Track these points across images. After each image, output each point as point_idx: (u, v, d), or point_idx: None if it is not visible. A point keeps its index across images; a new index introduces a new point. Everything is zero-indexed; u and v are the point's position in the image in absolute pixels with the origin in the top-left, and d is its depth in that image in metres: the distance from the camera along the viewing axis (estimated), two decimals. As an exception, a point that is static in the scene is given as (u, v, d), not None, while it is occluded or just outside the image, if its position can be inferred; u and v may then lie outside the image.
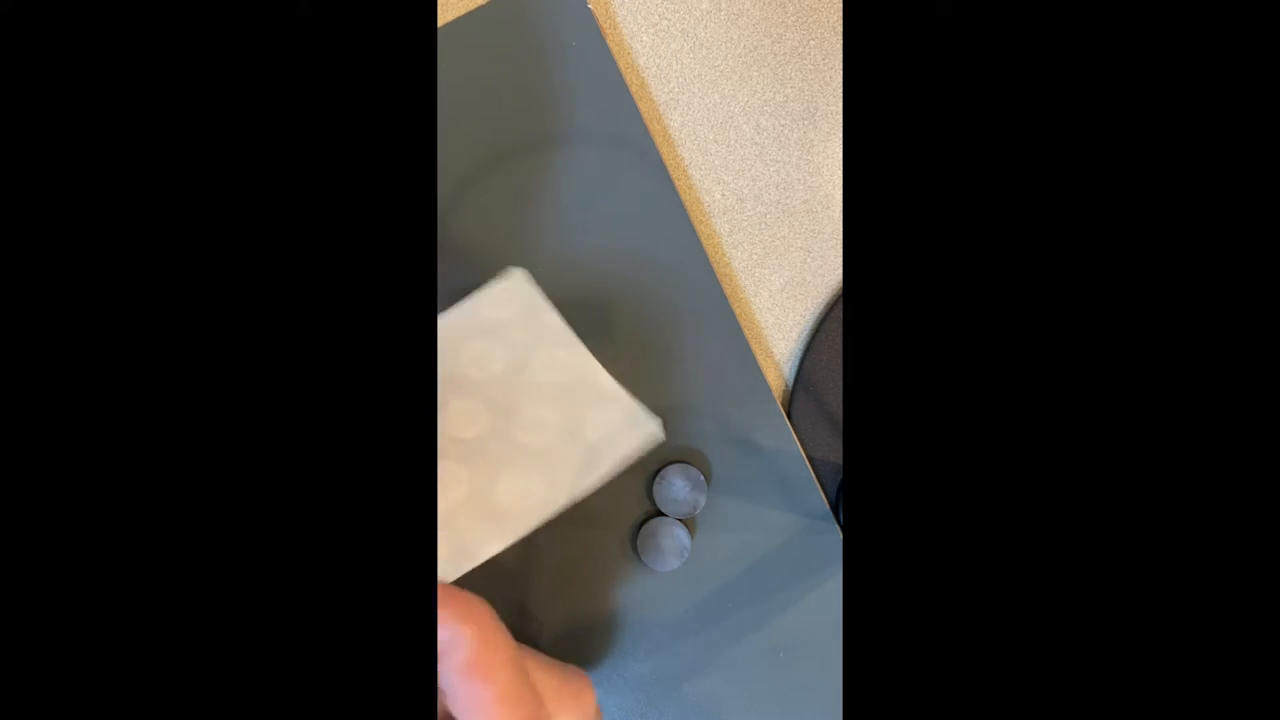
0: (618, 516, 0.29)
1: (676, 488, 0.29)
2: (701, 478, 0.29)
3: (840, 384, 0.30)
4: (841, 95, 0.32)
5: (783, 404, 0.31)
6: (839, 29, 0.32)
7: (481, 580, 0.29)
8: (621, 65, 0.30)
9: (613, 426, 0.24)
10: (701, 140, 0.31)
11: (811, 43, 0.31)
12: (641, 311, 0.29)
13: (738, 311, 0.30)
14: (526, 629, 0.29)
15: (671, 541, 0.29)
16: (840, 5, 0.31)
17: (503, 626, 0.22)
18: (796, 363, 0.31)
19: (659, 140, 0.30)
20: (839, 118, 0.31)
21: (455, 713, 0.21)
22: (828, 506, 0.30)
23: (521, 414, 0.24)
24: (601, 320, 0.30)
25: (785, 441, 0.30)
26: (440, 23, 0.29)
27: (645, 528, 0.29)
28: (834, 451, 0.30)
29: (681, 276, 0.30)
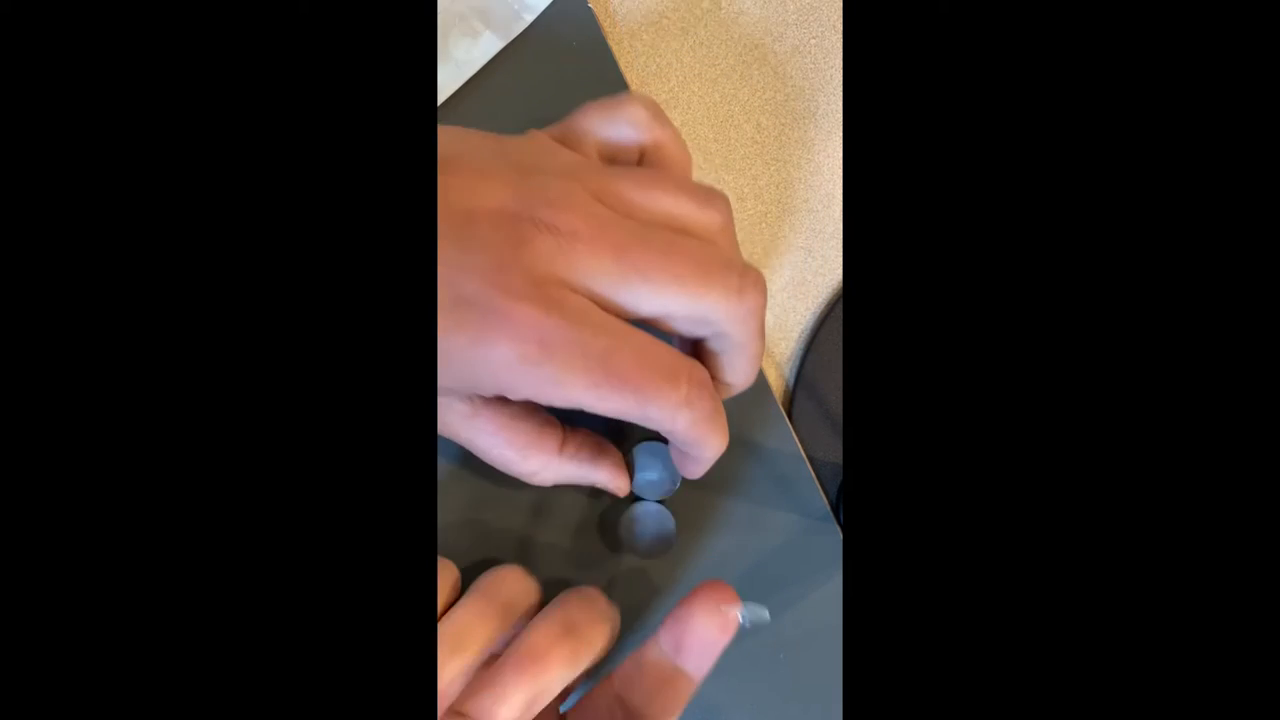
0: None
1: (648, 468, 0.28)
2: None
3: (840, 384, 0.30)
4: (842, 94, 0.31)
5: (783, 404, 0.31)
6: (839, 28, 0.31)
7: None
8: (622, 64, 0.30)
9: None
10: (702, 139, 0.31)
11: (812, 41, 0.31)
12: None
13: (738, 311, 0.30)
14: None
15: (650, 521, 0.28)
16: (840, 4, 0.31)
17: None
18: (797, 363, 0.31)
19: (659, 139, 0.30)
20: (840, 116, 0.31)
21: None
22: (828, 506, 0.30)
23: None
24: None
25: (785, 441, 0.30)
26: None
27: (624, 517, 0.28)
28: (834, 451, 0.30)
29: (681, 276, 0.29)
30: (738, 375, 0.24)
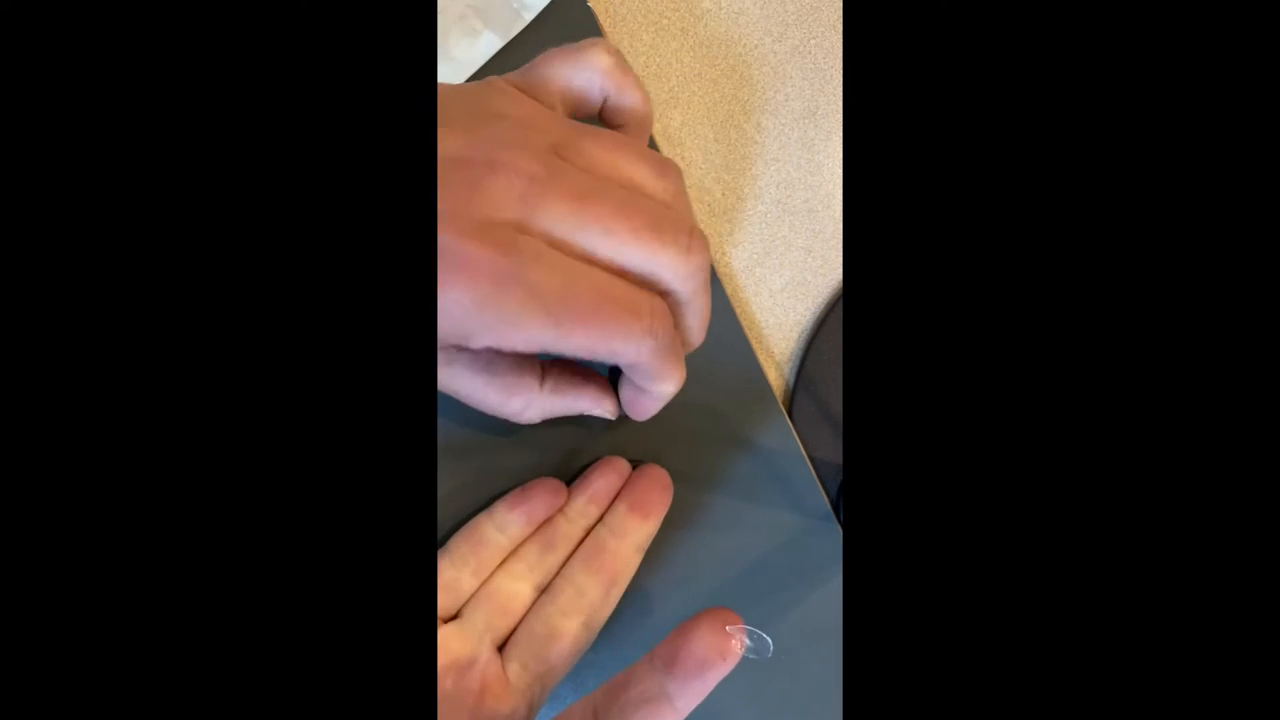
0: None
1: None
2: None
3: (840, 384, 0.30)
4: (842, 94, 0.31)
5: (783, 404, 0.31)
6: (839, 27, 0.31)
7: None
8: (622, 64, 0.30)
9: None
10: (702, 139, 0.31)
11: (812, 41, 0.31)
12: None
13: (738, 311, 0.30)
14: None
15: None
16: (840, 4, 0.31)
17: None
18: (797, 363, 0.31)
19: (659, 139, 0.30)
20: (840, 116, 0.31)
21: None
22: (828, 506, 0.30)
23: None
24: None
25: (785, 441, 0.30)
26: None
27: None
28: (834, 451, 0.30)
29: (682, 276, 0.29)
30: (688, 333, 0.24)
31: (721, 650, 0.20)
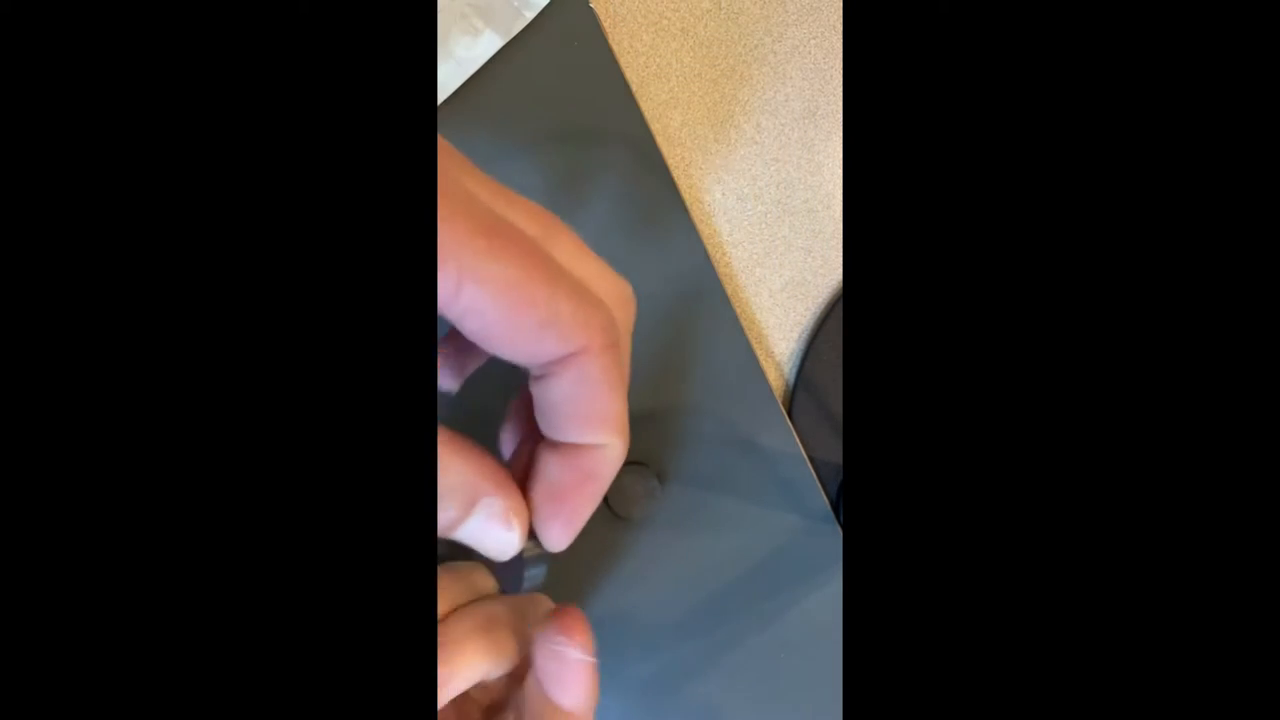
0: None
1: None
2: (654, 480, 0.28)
3: (840, 384, 0.30)
4: (842, 94, 0.31)
5: (783, 404, 0.30)
6: (839, 27, 0.31)
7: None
8: (622, 64, 0.30)
9: None
10: (702, 139, 0.31)
11: (812, 41, 0.31)
12: (641, 311, 0.29)
13: (738, 311, 0.30)
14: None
15: (640, 485, 0.28)
16: (840, 4, 0.31)
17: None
18: (796, 363, 0.31)
19: (659, 139, 0.30)
20: (840, 116, 0.31)
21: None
22: (828, 506, 0.30)
23: None
24: (601, 319, 0.30)
25: (785, 441, 0.30)
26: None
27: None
28: (834, 451, 0.30)
29: (682, 276, 0.29)
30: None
31: (557, 657, 0.18)
